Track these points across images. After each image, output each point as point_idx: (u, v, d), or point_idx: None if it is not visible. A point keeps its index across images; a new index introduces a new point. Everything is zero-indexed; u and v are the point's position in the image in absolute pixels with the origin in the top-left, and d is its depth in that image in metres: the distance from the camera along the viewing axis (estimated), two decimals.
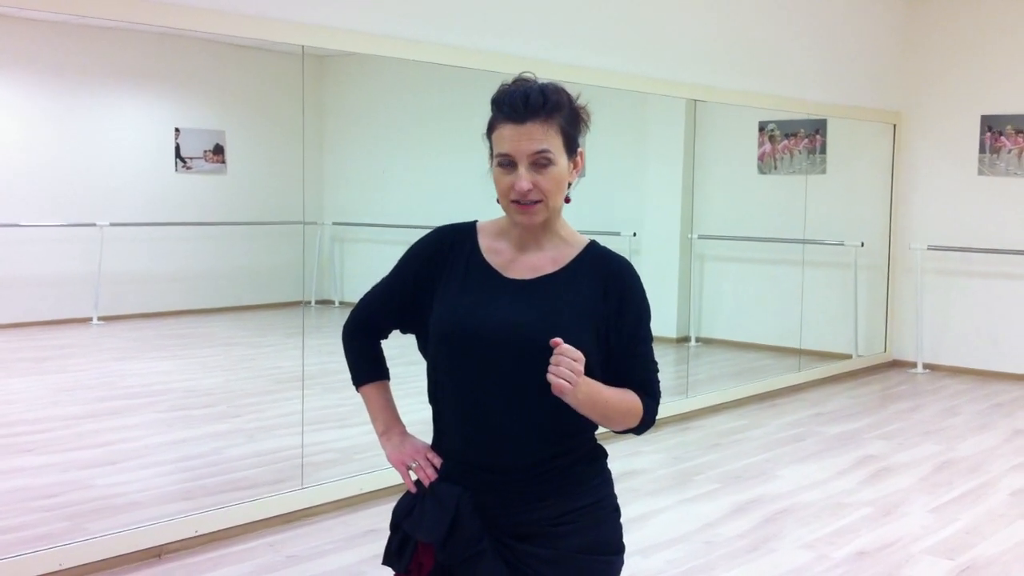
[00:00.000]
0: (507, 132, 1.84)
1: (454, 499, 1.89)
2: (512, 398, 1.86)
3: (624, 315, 1.90)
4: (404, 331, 2.06)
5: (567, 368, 1.74)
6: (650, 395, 1.94)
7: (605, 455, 2.00)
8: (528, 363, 1.82)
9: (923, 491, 5.21)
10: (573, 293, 1.89)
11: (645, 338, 1.94)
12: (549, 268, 1.92)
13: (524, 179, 1.83)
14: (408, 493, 2.00)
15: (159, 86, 9.98)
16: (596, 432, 1.98)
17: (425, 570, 1.95)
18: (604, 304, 1.89)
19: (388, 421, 2.07)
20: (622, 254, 1.98)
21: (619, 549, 1.97)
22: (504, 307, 1.88)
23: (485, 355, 1.87)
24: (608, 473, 2.00)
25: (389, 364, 2.13)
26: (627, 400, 1.89)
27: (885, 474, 5.52)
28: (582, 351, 1.77)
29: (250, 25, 4.38)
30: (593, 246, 1.96)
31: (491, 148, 1.90)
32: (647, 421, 1.93)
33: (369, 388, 2.09)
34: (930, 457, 5.88)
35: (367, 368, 2.10)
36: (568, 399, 1.77)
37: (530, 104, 1.83)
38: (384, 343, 2.14)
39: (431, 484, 1.95)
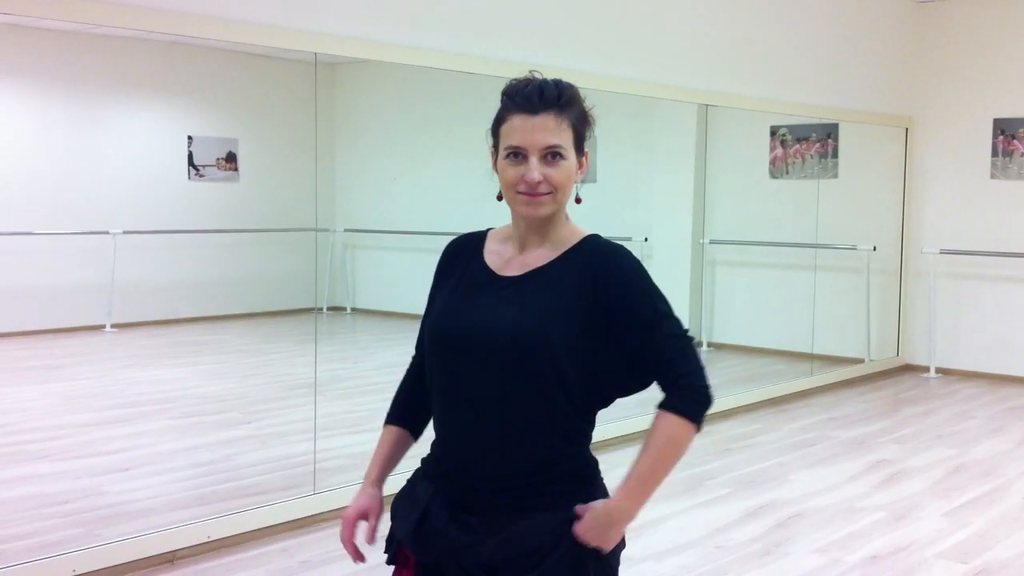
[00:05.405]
0: (519, 123, 1.79)
1: (427, 495, 1.87)
2: (488, 401, 1.80)
3: (627, 312, 1.79)
4: None
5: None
6: (682, 384, 1.78)
7: (596, 472, 1.89)
8: (503, 363, 1.77)
9: (936, 495, 5.20)
10: (558, 286, 1.81)
11: (657, 321, 1.80)
12: (540, 263, 1.85)
13: (535, 170, 1.78)
14: (406, 484, 1.97)
15: (172, 94, 10.03)
16: (591, 443, 1.89)
17: (411, 562, 1.94)
18: (593, 305, 1.79)
19: (371, 469, 2.03)
20: None
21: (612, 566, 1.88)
22: (482, 306, 1.84)
23: (461, 355, 1.83)
24: (603, 490, 1.88)
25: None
26: (665, 452, 1.78)
27: (898, 478, 5.50)
28: (563, 345, 1.74)
29: (263, 33, 4.40)
30: (591, 239, 1.88)
31: (496, 142, 1.85)
32: (698, 421, 1.78)
33: (385, 430, 2.06)
34: (943, 461, 5.86)
35: (394, 409, 2.07)
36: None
37: (545, 96, 1.79)
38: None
39: (409, 481, 1.94)
